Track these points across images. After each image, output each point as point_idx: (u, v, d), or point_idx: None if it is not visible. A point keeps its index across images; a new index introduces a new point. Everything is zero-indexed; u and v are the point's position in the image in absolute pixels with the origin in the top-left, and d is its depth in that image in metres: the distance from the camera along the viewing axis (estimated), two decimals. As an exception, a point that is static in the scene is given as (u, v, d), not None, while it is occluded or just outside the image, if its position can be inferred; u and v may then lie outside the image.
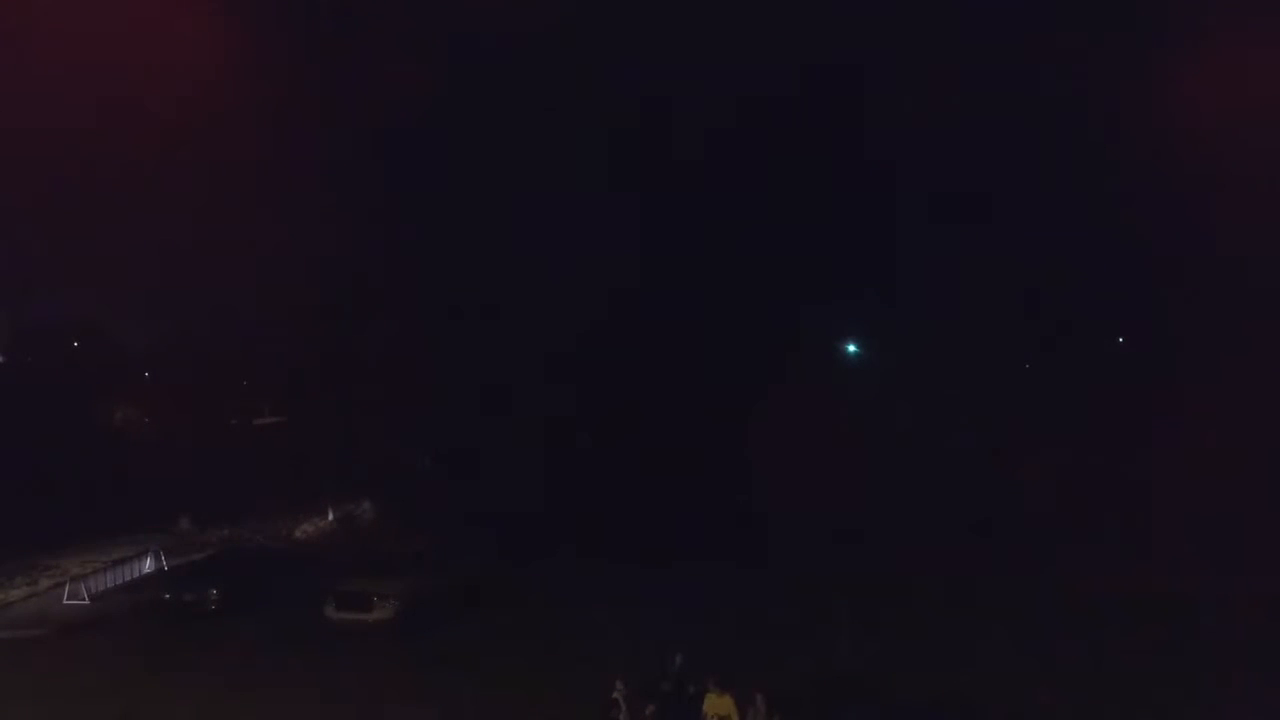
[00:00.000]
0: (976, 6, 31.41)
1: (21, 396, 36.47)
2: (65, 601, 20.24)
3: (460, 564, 20.86)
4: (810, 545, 23.15)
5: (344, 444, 33.92)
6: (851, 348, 43.45)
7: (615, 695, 11.55)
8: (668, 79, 32.23)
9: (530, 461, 31.49)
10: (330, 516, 28.79)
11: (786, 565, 21.81)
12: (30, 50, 28.29)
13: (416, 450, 34.60)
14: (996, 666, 15.33)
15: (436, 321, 35.53)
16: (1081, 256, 34.75)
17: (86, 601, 20.22)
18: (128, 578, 22.14)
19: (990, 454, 31.08)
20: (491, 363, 33.76)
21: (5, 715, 14.19)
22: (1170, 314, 33.87)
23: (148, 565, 22.96)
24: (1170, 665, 15.14)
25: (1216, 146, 27.38)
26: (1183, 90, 27.17)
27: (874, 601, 19.04)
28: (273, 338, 41.38)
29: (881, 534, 24.15)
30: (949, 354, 35.85)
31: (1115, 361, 38.21)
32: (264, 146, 29.94)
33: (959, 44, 31.62)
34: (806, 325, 36.72)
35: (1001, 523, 24.79)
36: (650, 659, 12.80)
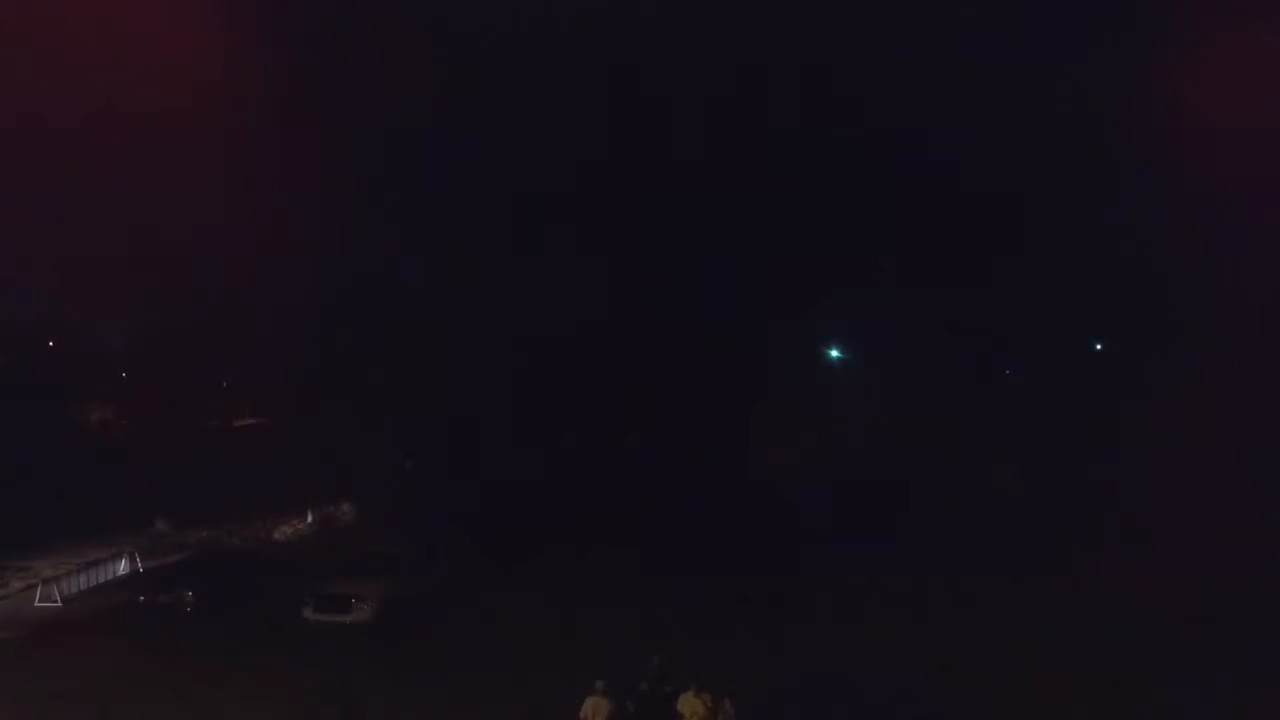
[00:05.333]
0: (961, 11, 31.77)
1: (-6, 396, 35.86)
2: (37, 603, 19.92)
3: (440, 566, 20.78)
4: (798, 545, 23.28)
5: (324, 445, 33.67)
6: (834, 352, 43.75)
7: (594, 696, 11.57)
8: (657, 84, 32.35)
9: (513, 463, 31.43)
10: (309, 518, 28.57)
11: (771, 565, 21.90)
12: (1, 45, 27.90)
13: (397, 451, 34.42)
14: (979, 666, 15.48)
15: (421, 322, 35.40)
16: (1063, 260, 35.19)
17: (59, 604, 19.93)
18: (102, 580, 21.84)
19: (973, 458, 31.37)
20: (477, 363, 33.68)
21: (-26, 718, 13.98)
22: (1148, 317, 34.41)
23: (123, 567, 22.66)
24: (1160, 665, 15.33)
25: (1202, 148, 27.80)
26: (1169, 92, 27.58)
27: (858, 602, 19.19)
28: (253, 339, 41.03)
29: (870, 533, 24.33)
30: (931, 358, 36.19)
31: (1093, 366, 38.76)
32: (242, 144, 29.71)
33: (943, 47, 31.95)
34: (792, 329, 36.95)
35: (989, 523, 25.04)
36: (629, 660, 12.84)
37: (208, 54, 26.95)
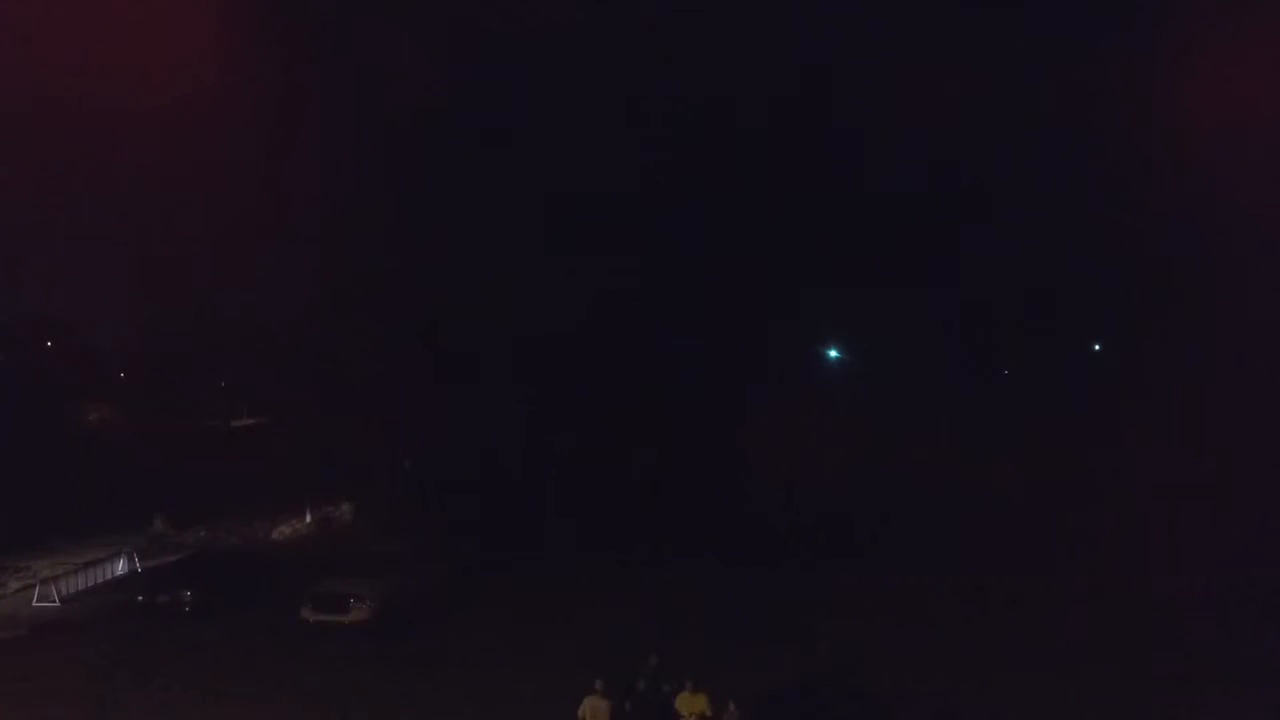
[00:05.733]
0: (961, 11, 31.77)
1: (-7, 396, 35.82)
2: (35, 603, 19.90)
3: (437, 566, 20.77)
4: (795, 546, 23.27)
5: (323, 445, 33.64)
6: (833, 352, 43.75)
7: (593, 696, 11.56)
8: (647, 82, 32.33)
9: (511, 465, 31.41)
10: (308, 518, 28.54)
11: (769, 566, 21.90)
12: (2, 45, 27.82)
13: (396, 452, 34.39)
14: (982, 666, 15.48)
15: (418, 322, 35.39)
16: (1057, 262, 35.20)
17: (57, 603, 19.91)
18: (100, 579, 21.81)
19: (972, 458, 31.35)
20: (475, 364, 33.66)
21: (-29, 718, 13.95)
22: (1146, 318, 34.42)
23: (121, 567, 22.63)
24: (1154, 666, 15.30)
25: (1195, 148, 27.79)
26: (1165, 92, 27.57)
27: (856, 602, 19.20)
28: (252, 338, 41.04)
29: (867, 535, 24.32)
30: (929, 358, 36.19)
31: (1092, 367, 38.77)
32: (242, 145, 29.68)
33: (937, 43, 31.95)
34: (787, 329, 36.91)
35: (983, 525, 25.02)
36: (628, 660, 12.82)
37: (207, 56, 26.94)
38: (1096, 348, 41.36)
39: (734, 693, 11.61)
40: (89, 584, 21.40)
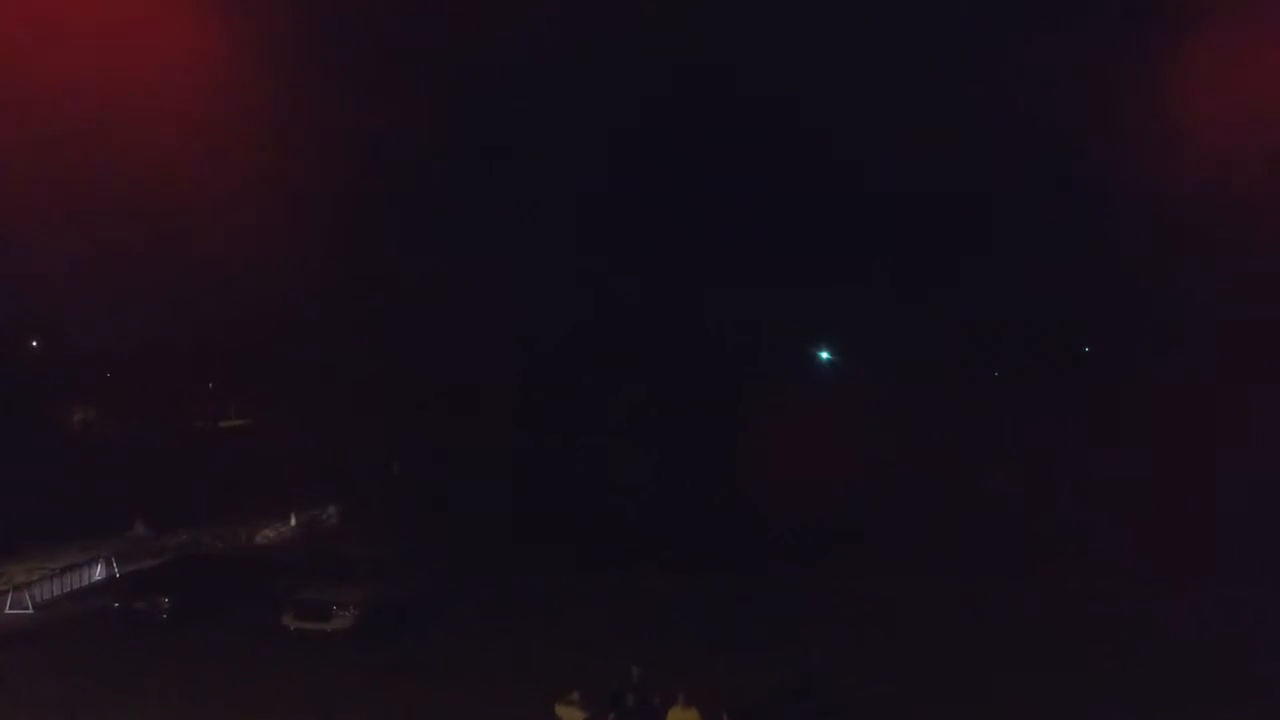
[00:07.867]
0: (952, 11, 31.70)
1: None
2: (7, 610, 19.45)
3: (423, 571, 20.42)
4: (787, 550, 23.04)
5: (309, 448, 33.22)
6: (824, 354, 43.64)
7: (567, 706, 11.27)
8: (642, 78, 32.10)
9: (500, 469, 31.10)
10: (293, 522, 28.10)
11: (759, 570, 21.64)
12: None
13: (384, 455, 34.02)
14: (974, 668, 15.25)
15: (409, 323, 35.09)
16: (1050, 264, 35.18)
17: (30, 610, 19.46)
18: (76, 585, 21.35)
19: (966, 460, 31.26)
20: (466, 365, 33.39)
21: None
22: (1138, 319, 34.45)
23: (98, 572, 22.18)
24: (1145, 671, 15.13)
25: (1187, 150, 27.74)
26: (1157, 91, 27.52)
27: (849, 607, 18.94)
28: (240, 340, 40.60)
29: (858, 540, 24.11)
30: (922, 360, 36.12)
31: (1083, 368, 38.80)
32: (232, 146, 29.24)
33: (935, 47, 31.87)
34: (783, 330, 36.81)
35: (974, 529, 24.85)
36: (613, 669, 12.53)
37: (200, 56, 26.48)
38: (1086, 349, 41.40)
39: (724, 704, 11.32)
40: (64, 590, 20.95)
